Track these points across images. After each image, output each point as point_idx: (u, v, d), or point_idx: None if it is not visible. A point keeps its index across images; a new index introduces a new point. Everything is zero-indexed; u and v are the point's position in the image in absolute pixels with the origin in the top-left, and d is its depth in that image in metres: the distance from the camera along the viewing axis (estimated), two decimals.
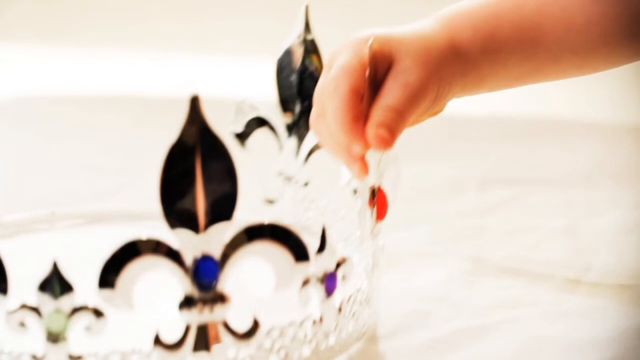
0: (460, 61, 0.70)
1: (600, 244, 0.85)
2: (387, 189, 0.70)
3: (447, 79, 0.69)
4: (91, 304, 0.59)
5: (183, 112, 0.58)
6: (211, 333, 0.60)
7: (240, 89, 1.26)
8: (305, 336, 0.64)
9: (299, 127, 0.84)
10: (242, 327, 0.61)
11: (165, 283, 0.60)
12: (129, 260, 0.59)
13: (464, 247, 0.85)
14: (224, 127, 0.71)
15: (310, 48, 0.83)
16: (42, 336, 0.60)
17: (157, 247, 0.59)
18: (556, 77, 0.74)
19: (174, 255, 0.59)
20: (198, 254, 0.59)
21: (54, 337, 0.60)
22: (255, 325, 0.61)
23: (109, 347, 0.61)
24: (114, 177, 1.03)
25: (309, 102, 0.76)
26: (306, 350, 0.65)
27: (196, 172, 0.58)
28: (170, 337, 0.60)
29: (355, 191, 0.75)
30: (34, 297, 0.59)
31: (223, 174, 0.58)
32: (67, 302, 0.59)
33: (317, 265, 0.63)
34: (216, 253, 0.60)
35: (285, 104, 0.84)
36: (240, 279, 0.61)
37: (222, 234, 0.59)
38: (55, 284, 0.59)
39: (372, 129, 0.66)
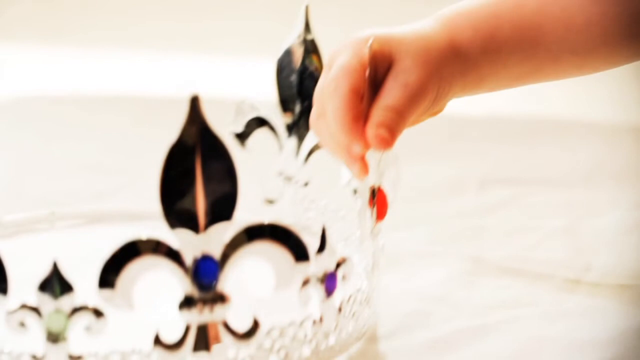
0: (460, 61, 0.70)
1: (600, 244, 0.85)
2: (387, 189, 0.70)
3: (447, 79, 0.69)
4: (91, 304, 0.59)
5: (183, 112, 0.58)
6: (211, 333, 0.60)
7: (240, 89, 1.26)
8: (305, 336, 0.64)
9: (299, 127, 0.84)
10: (242, 327, 0.61)
11: (165, 283, 0.60)
12: (129, 260, 0.59)
13: (464, 247, 0.85)
14: (224, 127, 0.71)
15: (310, 48, 0.83)
16: (42, 336, 0.60)
17: (157, 247, 0.59)
18: (556, 77, 0.74)
19: (174, 255, 0.59)
20: (198, 254, 0.59)
21: (54, 337, 0.60)
22: (255, 325, 0.61)
23: (109, 347, 0.61)
24: (114, 177, 1.03)
25: (309, 102, 0.76)
26: (306, 350, 0.65)
27: (196, 172, 0.58)
28: (170, 337, 0.60)
29: (355, 191, 0.75)
30: (34, 297, 0.59)
31: (223, 174, 0.58)
32: (67, 302, 0.59)
33: (317, 265, 0.63)
34: (216, 253, 0.60)
35: (285, 104, 0.84)
36: (240, 279, 0.61)
37: (222, 234, 0.59)
38: (55, 284, 0.59)
39: (372, 129, 0.66)
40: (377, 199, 0.69)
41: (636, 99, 1.21)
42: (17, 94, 1.35)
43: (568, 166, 1.06)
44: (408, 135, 0.69)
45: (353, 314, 0.67)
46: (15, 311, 0.60)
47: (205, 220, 0.59)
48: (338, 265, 0.65)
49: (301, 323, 0.64)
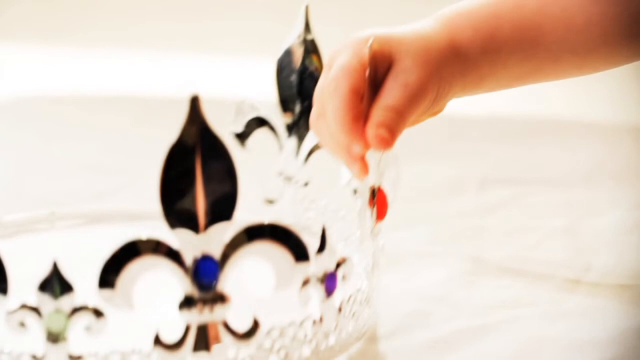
0: (460, 61, 0.70)
1: (600, 244, 0.85)
2: (387, 189, 0.70)
3: (447, 79, 0.69)
4: (91, 304, 0.59)
5: (183, 112, 0.58)
6: (211, 333, 0.60)
7: (240, 89, 1.26)
8: (305, 336, 0.64)
9: (299, 127, 0.84)
10: (242, 327, 0.61)
11: (165, 283, 0.60)
12: (129, 260, 0.59)
13: (464, 247, 0.85)
14: (224, 127, 0.71)
15: (310, 48, 0.83)
16: (42, 336, 0.60)
17: (157, 247, 0.59)
18: (556, 77, 0.74)
19: (174, 255, 0.59)
20: (198, 254, 0.59)
21: (54, 337, 0.60)
22: (255, 325, 0.61)
23: (109, 347, 0.61)
24: (114, 177, 1.03)
25: (309, 102, 0.76)
26: (306, 350, 0.65)
27: (196, 172, 0.58)
28: (170, 337, 0.60)
29: (355, 191, 0.75)
30: (34, 297, 0.59)
31: (223, 174, 0.58)
32: (67, 302, 0.59)
33: (317, 265, 0.63)
34: (216, 253, 0.60)
35: (285, 104, 0.84)
36: (240, 279, 0.61)
37: (222, 234, 0.59)
38: (55, 284, 0.59)
39: (372, 129, 0.66)
40: (377, 199, 0.69)
41: (636, 99, 1.21)
42: (17, 94, 1.35)
43: (568, 166, 1.06)
44: (408, 135, 0.69)
45: (353, 314, 0.67)
46: (15, 311, 0.60)
47: (205, 220, 0.59)
48: (338, 265, 0.65)
49: (301, 323, 0.64)
